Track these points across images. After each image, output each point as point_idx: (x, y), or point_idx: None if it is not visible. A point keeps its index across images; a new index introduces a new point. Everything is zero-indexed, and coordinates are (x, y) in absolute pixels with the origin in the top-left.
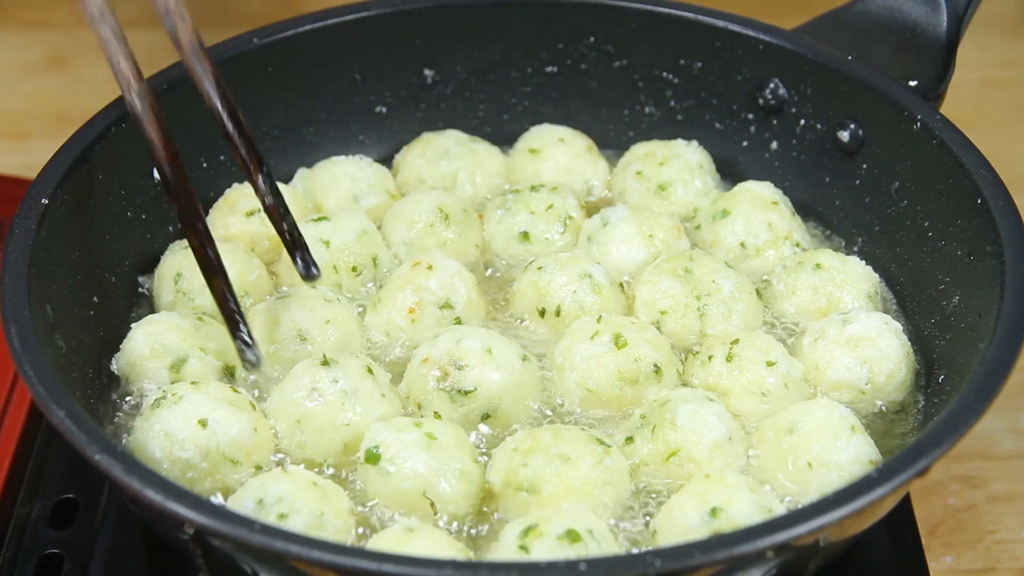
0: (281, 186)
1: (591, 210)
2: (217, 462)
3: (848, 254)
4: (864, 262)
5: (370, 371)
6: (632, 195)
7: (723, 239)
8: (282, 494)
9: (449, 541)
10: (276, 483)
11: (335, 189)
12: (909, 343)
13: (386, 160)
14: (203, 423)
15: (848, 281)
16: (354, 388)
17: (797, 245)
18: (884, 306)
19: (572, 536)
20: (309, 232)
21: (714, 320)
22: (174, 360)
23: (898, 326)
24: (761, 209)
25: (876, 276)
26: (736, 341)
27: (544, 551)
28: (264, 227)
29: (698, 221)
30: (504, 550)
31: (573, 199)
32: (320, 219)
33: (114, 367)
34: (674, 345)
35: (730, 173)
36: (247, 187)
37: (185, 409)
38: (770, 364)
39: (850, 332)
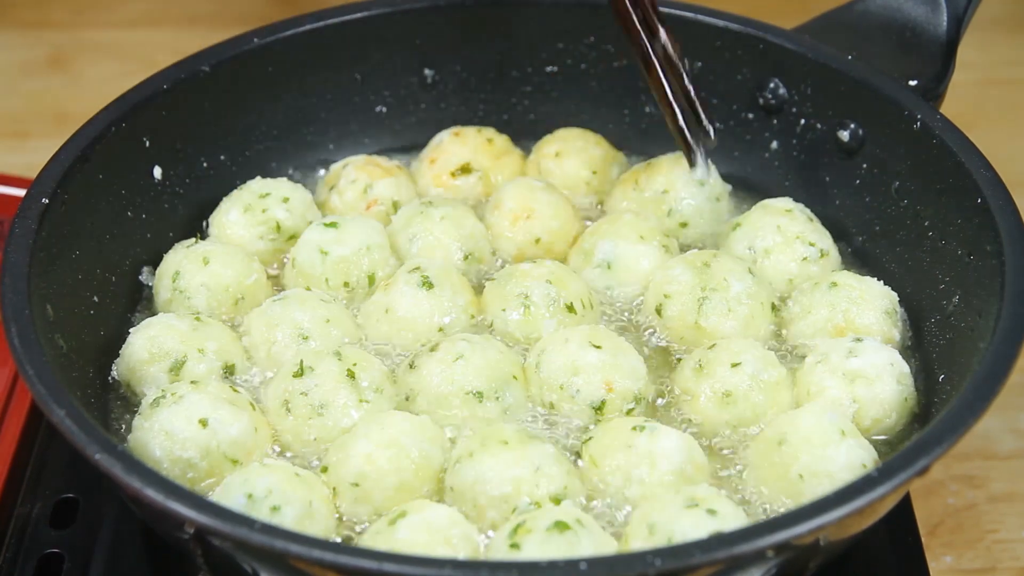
0: (295, 186)
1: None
2: (218, 462)
3: (848, 255)
4: (882, 282)
5: (351, 374)
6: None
7: (733, 246)
8: (271, 487)
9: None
10: (260, 476)
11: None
12: (912, 388)
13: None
14: (204, 423)
15: (864, 298)
16: (324, 401)
17: (811, 244)
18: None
19: (561, 526)
20: (313, 237)
21: (709, 314)
22: (173, 363)
23: (905, 369)
24: (772, 216)
25: (894, 294)
26: (712, 346)
27: (535, 545)
28: (263, 228)
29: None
30: (497, 552)
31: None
32: (329, 225)
33: (114, 373)
34: (671, 340)
35: (730, 173)
36: (246, 189)
37: (186, 408)
38: (735, 365)
39: (851, 365)
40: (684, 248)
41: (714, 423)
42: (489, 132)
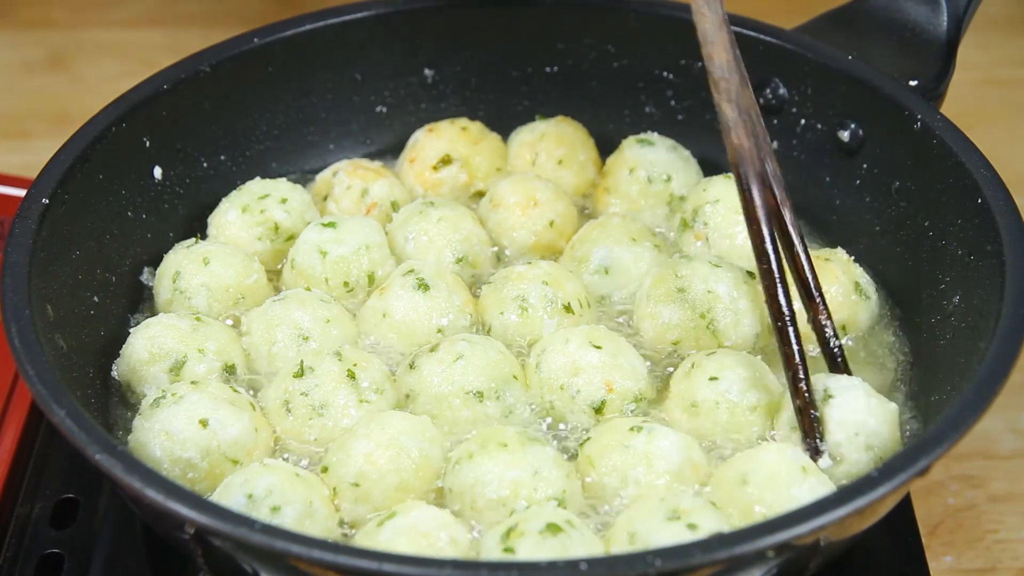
0: (294, 187)
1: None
2: (218, 462)
3: (848, 254)
4: (880, 281)
5: (351, 374)
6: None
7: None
8: (271, 487)
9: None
10: (261, 476)
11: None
12: (895, 432)
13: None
14: (204, 423)
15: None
16: (324, 401)
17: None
18: (880, 308)
19: (553, 529)
20: (311, 237)
21: (727, 331)
22: (173, 363)
23: (890, 410)
24: None
25: (859, 269)
26: (712, 353)
27: (528, 548)
28: (262, 229)
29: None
30: (489, 555)
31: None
32: (328, 225)
33: (115, 373)
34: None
35: (730, 173)
36: (244, 190)
37: (186, 409)
38: (712, 379)
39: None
40: (675, 201)
41: (681, 427)
42: (462, 121)
